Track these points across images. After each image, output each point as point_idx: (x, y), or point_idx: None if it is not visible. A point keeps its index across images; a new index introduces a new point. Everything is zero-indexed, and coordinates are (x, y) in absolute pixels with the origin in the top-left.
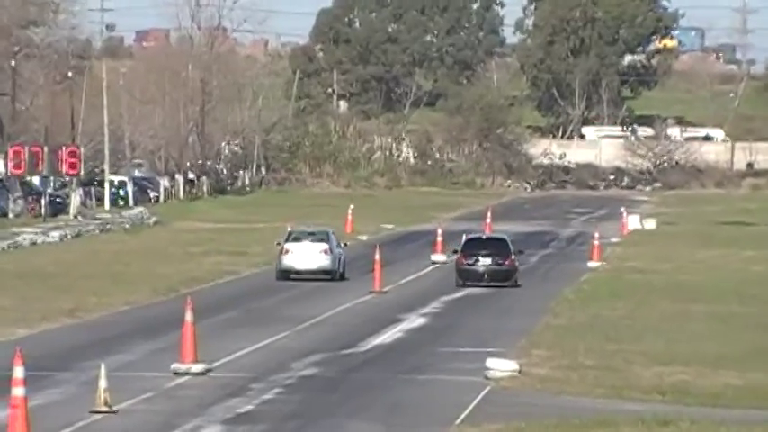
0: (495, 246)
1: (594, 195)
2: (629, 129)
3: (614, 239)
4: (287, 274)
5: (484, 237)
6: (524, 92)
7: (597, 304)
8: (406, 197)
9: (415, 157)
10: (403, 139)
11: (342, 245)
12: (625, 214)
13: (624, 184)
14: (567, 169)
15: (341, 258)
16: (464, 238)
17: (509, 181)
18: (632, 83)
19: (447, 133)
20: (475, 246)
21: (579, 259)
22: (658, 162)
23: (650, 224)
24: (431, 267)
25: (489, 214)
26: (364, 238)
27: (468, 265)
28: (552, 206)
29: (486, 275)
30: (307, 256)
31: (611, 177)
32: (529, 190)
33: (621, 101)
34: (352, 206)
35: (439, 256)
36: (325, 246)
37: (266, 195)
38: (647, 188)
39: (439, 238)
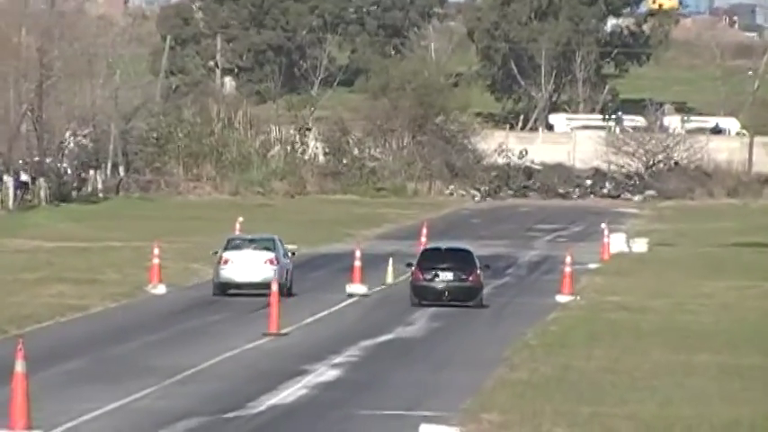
0: (458, 258)
1: (566, 206)
2: (613, 117)
3: (592, 266)
4: (225, 288)
5: (444, 248)
6: (473, 67)
7: (568, 352)
8: (313, 207)
9: (325, 154)
10: (309, 129)
11: (290, 254)
12: (606, 232)
13: (606, 191)
14: (529, 171)
15: (288, 270)
16: (420, 249)
17: (452, 187)
18: (617, 56)
19: (369, 122)
20: (433, 258)
21: (544, 292)
22: (651, 162)
23: (640, 246)
24: (346, 302)
25: (425, 231)
26: None
27: (426, 280)
28: (509, 221)
29: (446, 293)
30: (249, 266)
31: (589, 183)
32: (478, 199)
33: (602, 80)
34: (240, 219)
35: (357, 287)
36: (270, 255)
37: (125, 204)
38: (637, 197)
39: (357, 263)
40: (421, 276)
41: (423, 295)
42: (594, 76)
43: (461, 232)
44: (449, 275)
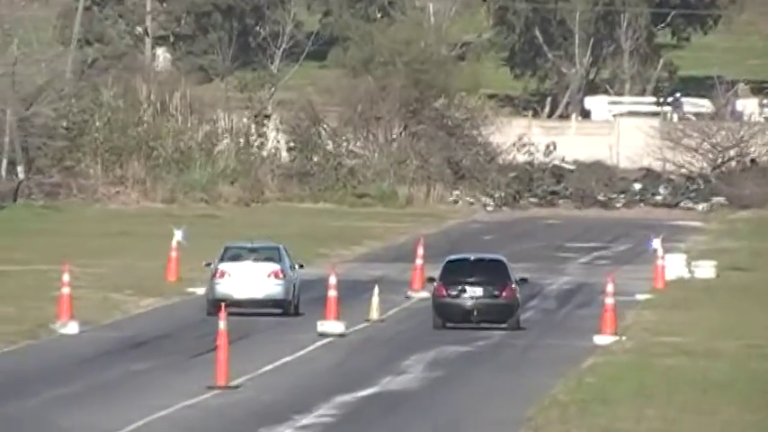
0: (488, 270)
1: (607, 218)
2: (670, 101)
3: (641, 297)
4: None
5: (472, 258)
6: (484, 35)
7: (610, 411)
8: (273, 220)
9: (290, 150)
10: (268, 116)
11: (297, 266)
12: (661, 252)
13: (660, 198)
14: (558, 172)
15: (295, 285)
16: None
17: (456, 192)
18: (675, 20)
19: (347, 107)
20: (459, 271)
21: (579, 332)
22: (720, 160)
23: (705, 270)
24: (318, 343)
25: (420, 251)
26: (200, 291)
27: (451, 297)
28: (532, 237)
29: (475, 312)
30: (250, 280)
31: (637, 187)
32: (491, 208)
33: (655, 52)
34: (178, 233)
35: (332, 325)
36: (275, 267)
37: (25, 215)
38: (701, 206)
39: (332, 294)
40: (445, 292)
41: (447, 315)
42: (645, 47)
43: (469, 252)
44: (478, 291)
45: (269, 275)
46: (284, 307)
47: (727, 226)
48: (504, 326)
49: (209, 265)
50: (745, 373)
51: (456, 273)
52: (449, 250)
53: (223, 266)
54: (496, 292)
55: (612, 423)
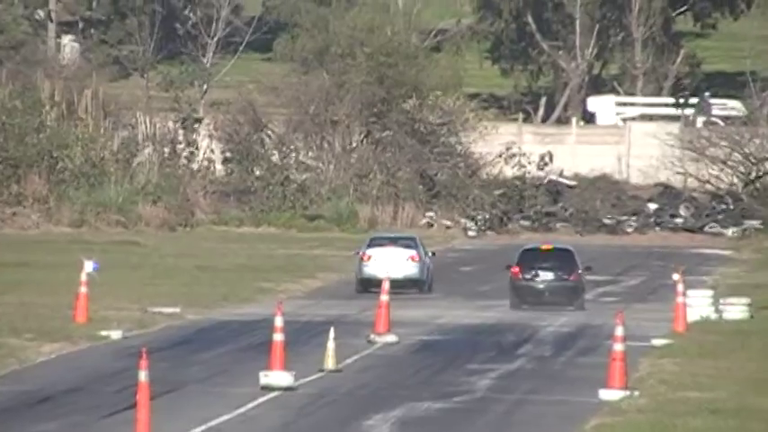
0: (559, 258)
1: (615, 245)
2: (692, 102)
3: (658, 342)
4: (369, 285)
5: (544, 247)
6: (464, 21)
7: None
8: (206, 247)
9: (226, 161)
10: (200, 120)
11: (430, 253)
12: (682, 288)
13: (681, 221)
14: (555, 189)
15: (429, 268)
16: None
17: (431, 214)
18: (698, 3)
19: (296, 109)
20: (533, 258)
21: (581, 384)
22: (755, 174)
23: (737, 310)
24: (260, 399)
25: (386, 286)
26: (115, 334)
27: (526, 280)
28: None
29: (547, 293)
30: (392, 263)
31: (653, 207)
32: (473, 232)
33: (675, 42)
34: (88, 264)
35: (278, 376)
36: (412, 252)
37: None
38: (731, 231)
39: (278, 337)
40: (520, 276)
41: (523, 296)
42: (662, 36)
43: (445, 287)
44: (549, 275)
45: (407, 259)
46: (420, 286)
47: (764, 255)
48: (571, 307)
49: (357, 253)
50: None
51: (530, 259)
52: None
53: (369, 251)
54: (565, 276)
55: None
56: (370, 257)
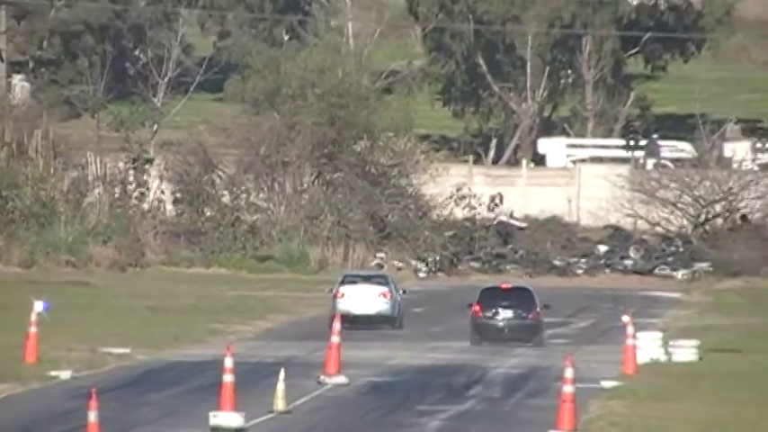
0: (518, 296)
1: (566, 287)
2: (643, 144)
3: (607, 384)
4: (342, 320)
5: (503, 287)
6: (415, 62)
7: None
8: (156, 287)
9: (176, 202)
10: (150, 160)
11: (401, 291)
12: (631, 330)
13: (631, 263)
14: (506, 231)
15: (400, 305)
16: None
17: (381, 255)
18: (648, 44)
19: (247, 149)
20: (493, 296)
21: (530, 426)
22: (705, 217)
23: (686, 352)
24: None
25: (337, 327)
26: (65, 375)
27: (487, 318)
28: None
29: (507, 330)
30: (364, 299)
31: (602, 249)
32: (424, 274)
33: (625, 83)
34: (38, 305)
35: (228, 417)
36: (384, 289)
37: None
38: (681, 273)
39: (227, 378)
40: (481, 314)
41: (483, 333)
42: (612, 78)
43: (392, 333)
44: (509, 313)
45: (379, 295)
46: (392, 322)
47: (713, 298)
48: (529, 344)
49: (330, 290)
50: None
51: (490, 298)
52: (369, 326)
53: (343, 289)
54: (524, 315)
55: None
56: (343, 295)
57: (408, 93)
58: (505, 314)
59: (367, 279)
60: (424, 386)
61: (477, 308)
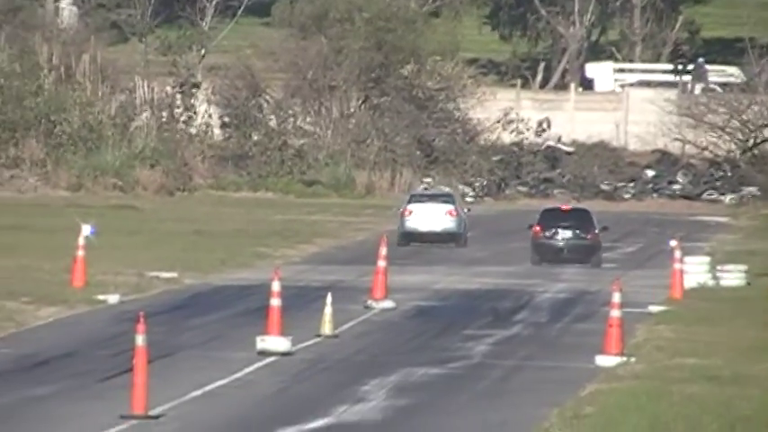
0: (577, 218)
1: (613, 212)
2: (691, 68)
3: (655, 308)
4: (410, 238)
5: (564, 208)
6: None
7: None
8: (203, 212)
9: (224, 126)
10: (198, 85)
11: (466, 209)
12: (679, 254)
13: (678, 188)
14: (553, 155)
15: (466, 222)
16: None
17: (428, 180)
18: None
19: (294, 74)
20: (553, 218)
21: (577, 351)
22: (753, 141)
23: (734, 277)
24: (257, 364)
25: (384, 251)
26: (113, 299)
27: (546, 238)
28: (520, 236)
29: (565, 250)
30: (431, 217)
31: (650, 174)
32: (471, 198)
33: (673, 8)
34: (86, 228)
35: (275, 341)
36: (449, 207)
37: None
38: (729, 198)
39: (275, 303)
40: (541, 234)
41: (543, 252)
42: (661, 2)
43: (440, 256)
44: (568, 233)
45: (445, 213)
46: (457, 239)
47: (760, 222)
48: (588, 264)
49: (397, 209)
50: None
51: (550, 219)
52: (414, 251)
53: (410, 207)
54: (583, 235)
55: None
56: (411, 212)
57: (456, 16)
58: (565, 234)
59: (434, 198)
60: (470, 311)
61: (538, 228)
